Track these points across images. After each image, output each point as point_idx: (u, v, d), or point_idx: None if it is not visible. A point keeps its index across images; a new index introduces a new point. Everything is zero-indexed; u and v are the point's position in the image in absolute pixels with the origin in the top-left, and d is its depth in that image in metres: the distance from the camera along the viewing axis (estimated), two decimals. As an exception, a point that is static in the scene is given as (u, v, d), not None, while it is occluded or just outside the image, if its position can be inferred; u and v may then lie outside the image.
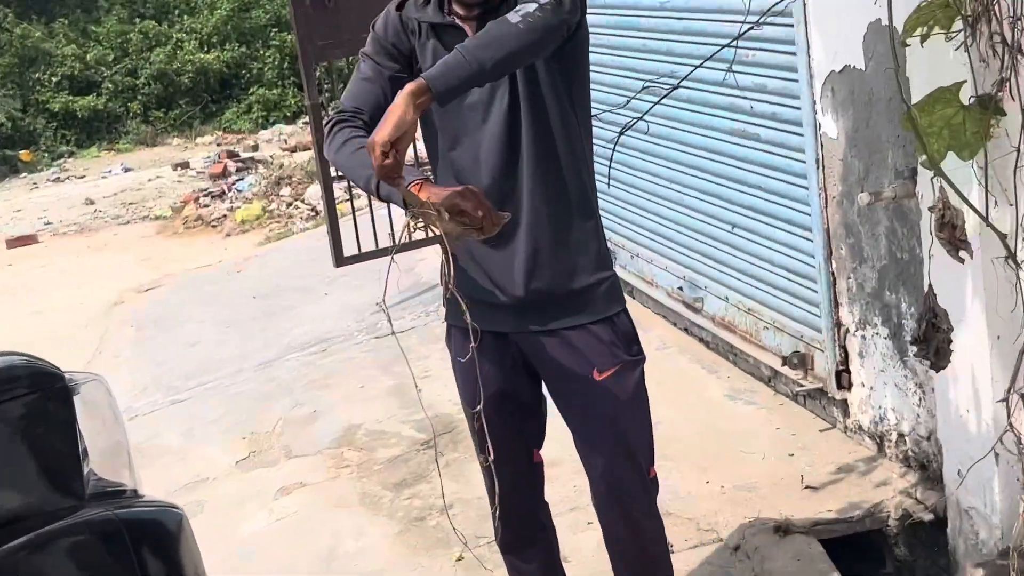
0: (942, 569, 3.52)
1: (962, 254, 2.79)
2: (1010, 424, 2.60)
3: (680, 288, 5.51)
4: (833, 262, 4.13)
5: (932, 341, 2.67)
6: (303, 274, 8.18)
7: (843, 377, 4.13)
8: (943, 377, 3.27)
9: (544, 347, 2.79)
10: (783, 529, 3.54)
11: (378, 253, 6.55)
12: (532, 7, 2.54)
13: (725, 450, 4.29)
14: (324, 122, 2.76)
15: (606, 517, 2.93)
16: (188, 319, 7.90)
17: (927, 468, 3.70)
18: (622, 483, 2.83)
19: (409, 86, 2.39)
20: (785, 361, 4.44)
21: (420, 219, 2.40)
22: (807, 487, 3.82)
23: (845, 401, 4.16)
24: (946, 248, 2.78)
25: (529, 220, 2.69)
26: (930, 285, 2.74)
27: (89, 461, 2.05)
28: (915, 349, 2.77)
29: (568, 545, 3.52)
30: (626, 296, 6.14)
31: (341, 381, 5.89)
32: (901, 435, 3.83)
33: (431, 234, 2.45)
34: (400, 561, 3.97)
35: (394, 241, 2.54)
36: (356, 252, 6.60)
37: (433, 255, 6.55)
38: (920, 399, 3.72)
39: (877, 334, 3.90)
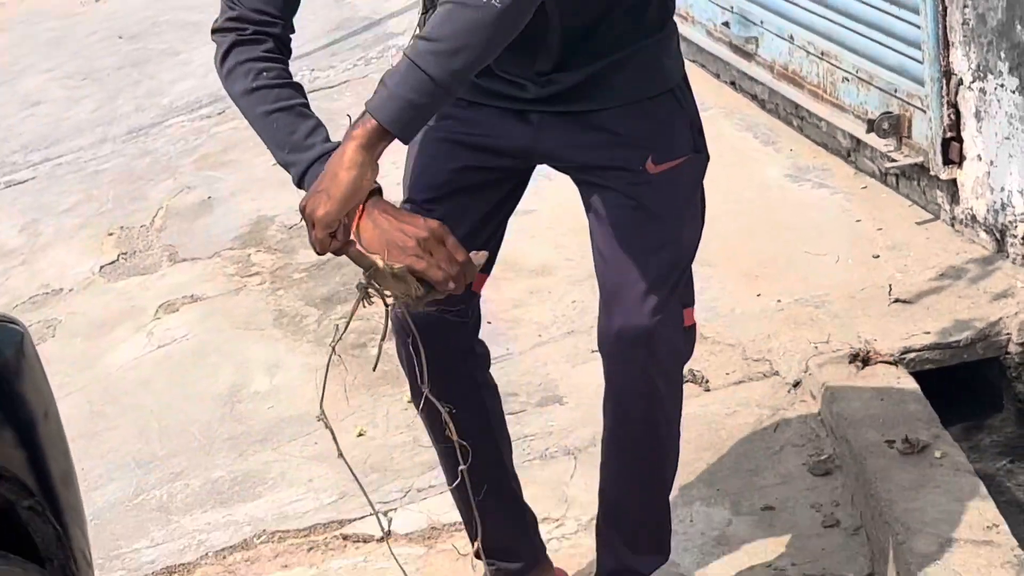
0: None
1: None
2: None
3: (726, 24, 5.54)
4: None
5: None
6: (191, 4, 8.18)
7: (952, 148, 4.17)
8: None
9: (574, 131, 2.75)
10: (862, 358, 3.61)
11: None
12: None
13: (784, 251, 4.40)
14: (212, 29, 2.63)
15: (614, 366, 2.92)
16: (27, 70, 7.96)
17: None
18: (647, 321, 2.82)
19: (357, 136, 2.27)
20: (872, 126, 4.50)
21: (373, 291, 2.31)
22: (896, 300, 3.90)
23: (954, 181, 4.20)
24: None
25: None
26: None
27: None
28: None
29: (565, 382, 3.60)
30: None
31: (246, 156, 5.94)
32: None
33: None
34: (331, 404, 4.00)
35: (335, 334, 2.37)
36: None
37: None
38: None
39: (1002, 86, 3.94)
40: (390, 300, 2.32)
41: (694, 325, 2.92)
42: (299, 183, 2.50)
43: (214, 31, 2.63)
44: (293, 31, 2.61)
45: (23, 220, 5.78)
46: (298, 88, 2.62)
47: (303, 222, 2.40)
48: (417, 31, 2.64)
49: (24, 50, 8.26)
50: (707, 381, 3.75)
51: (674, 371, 2.90)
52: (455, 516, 3.20)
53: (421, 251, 2.29)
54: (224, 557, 3.49)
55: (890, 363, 3.62)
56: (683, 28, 5.87)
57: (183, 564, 3.48)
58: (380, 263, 2.23)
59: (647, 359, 2.75)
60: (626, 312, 2.73)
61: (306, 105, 2.58)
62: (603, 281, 2.82)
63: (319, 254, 2.41)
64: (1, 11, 9.53)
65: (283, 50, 2.60)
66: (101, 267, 5.22)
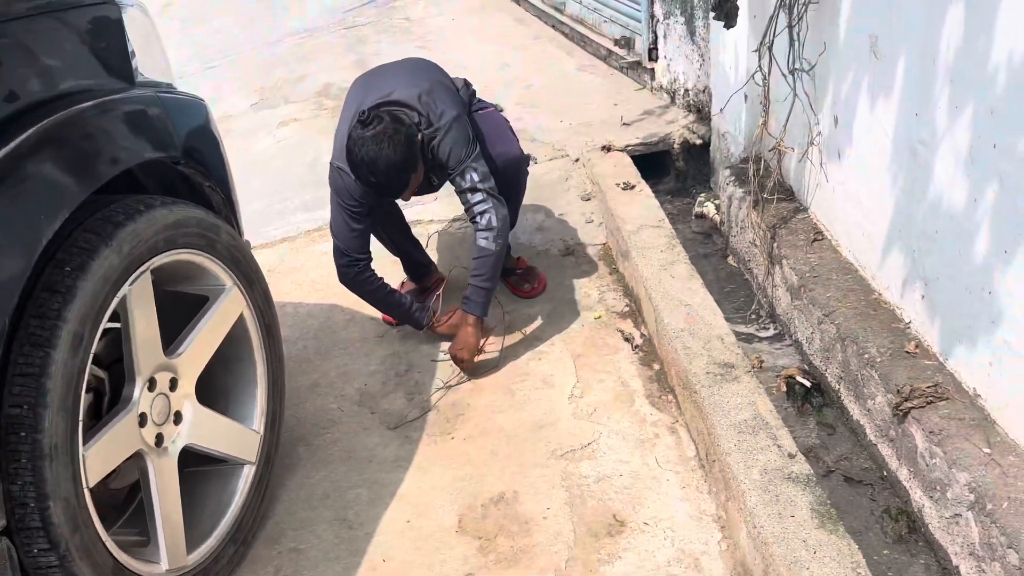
0: (704, 175, 4.04)
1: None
2: (760, 67, 2.91)
3: None
4: None
5: (724, 7, 2.90)
6: None
7: (653, 53, 4.55)
8: (715, 47, 3.61)
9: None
10: (607, 148, 4.01)
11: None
12: (484, 217, 2.70)
13: (574, 102, 4.71)
14: (338, 256, 2.83)
15: None
16: (216, 15, 8.32)
17: (700, 111, 4.14)
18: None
19: (472, 321, 2.77)
20: (616, 43, 4.88)
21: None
22: (624, 124, 4.31)
23: (653, 69, 4.57)
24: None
25: None
26: None
27: (137, 60, 2.11)
28: (713, 14, 2.96)
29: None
30: (515, 3, 6.76)
31: (320, 56, 6.39)
32: (687, 90, 4.26)
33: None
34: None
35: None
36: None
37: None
38: (700, 66, 4.09)
39: (677, 22, 4.26)
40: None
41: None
42: (420, 327, 3.00)
43: (344, 259, 2.83)
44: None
45: (214, 84, 6.14)
46: (387, 286, 2.90)
47: (452, 360, 2.85)
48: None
49: (214, 8, 8.59)
50: (535, 159, 4.05)
51: None
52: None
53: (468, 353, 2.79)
54: (309, 233, 3.92)
55: (620, 151, 4.01)
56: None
57: (289, 236, 3.92)
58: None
59: None
60: None
61: (395, 291, 2.94)
62: None
63: (469, 373, 2.84)
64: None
65: (370, 262, 2.86)
66: (251, 104, 5.65)
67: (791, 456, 2.12)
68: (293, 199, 4.25)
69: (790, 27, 2.75)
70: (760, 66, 2.91)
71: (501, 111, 3.13)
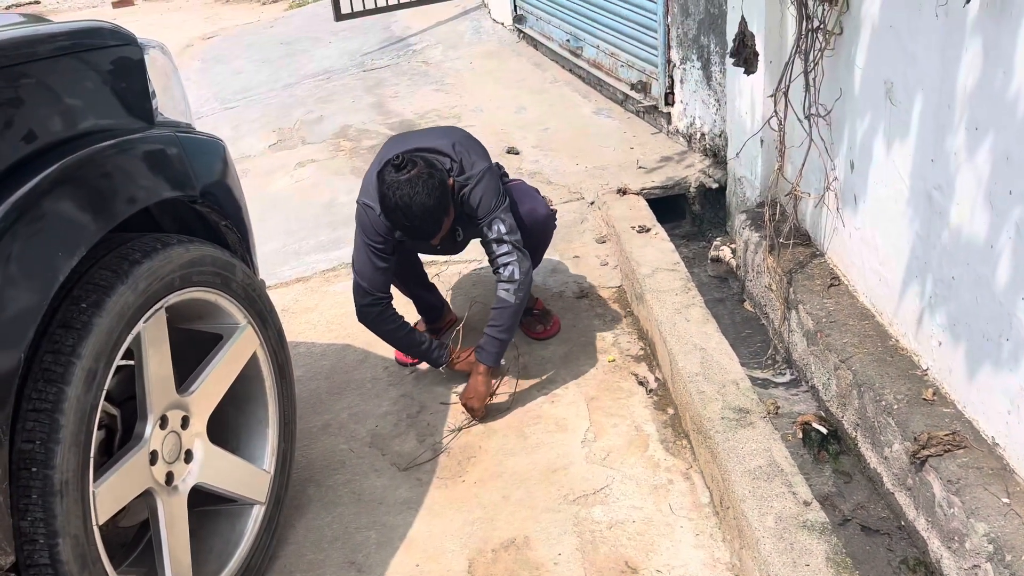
0: (720, 219, 4.05)
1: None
2: (775, 112, 2.94)
3: (568, 40, 5.95)
4: (668, 17, 4.46)
5: (743, 53, 2.92)
6: (315, 29, 8.84)
7: (669, 97, 4.59)
8: (731, 92, 3.62)
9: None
10: (622, 191, 4.04)
11: (366, 12, 7.47)
12: (507, 269, 2.70)
13: (590, 145, 4.75)
14: (360, 295, 2.83)
15: None
16: (236, 57, 8.50)
17: (717, 156, 4.17)
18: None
19: (483, 371, 2.78)
20: (633, 87, 4.92)
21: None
22: (639, 167, 4.33)
23: (669, 113, 4.60)
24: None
25: None
26: (742, 16, 3.00)
27: (157, 101, 2.13)
28: (732, 60, 2.95)
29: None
30: (532, 47, 6.90)
31: (338, 98, 6.48)
32: (703, 134, 4.28)
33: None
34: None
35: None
36: (350, 11, 7.48)
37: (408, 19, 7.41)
38: (716, 110, 4.11)
39: (694, 67, 4.28)
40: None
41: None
42: (438, 366, 2.97)
43: (365, 297, 2.83)
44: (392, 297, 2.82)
45: (232, 125, 6.23)
46: (407, 324, 2.90)
47: (462, 404, 2.84)
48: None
49: (234, 50, 8.76)
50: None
51: None
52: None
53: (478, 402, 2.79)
54: (324, 273, 3.93)
55: (636, 194, 4.02)
56: (547, 43, 6.07)
57: (304, 276, 3.93)
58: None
59: None
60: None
61: (414, 330, 2.93)
62: None
63: (477, 419, 2.82)
64: (224, 31, 9.98)
65: (391, 301, 2.86)
66: (269, 146, 5.71)
67: (806, 504, 2.10)
68: (308, 239, 4.29)
69: (806, 73, 2.78)
70: (776, 111, 2.94)
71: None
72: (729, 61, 3.06)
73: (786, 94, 2.85)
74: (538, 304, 3.26)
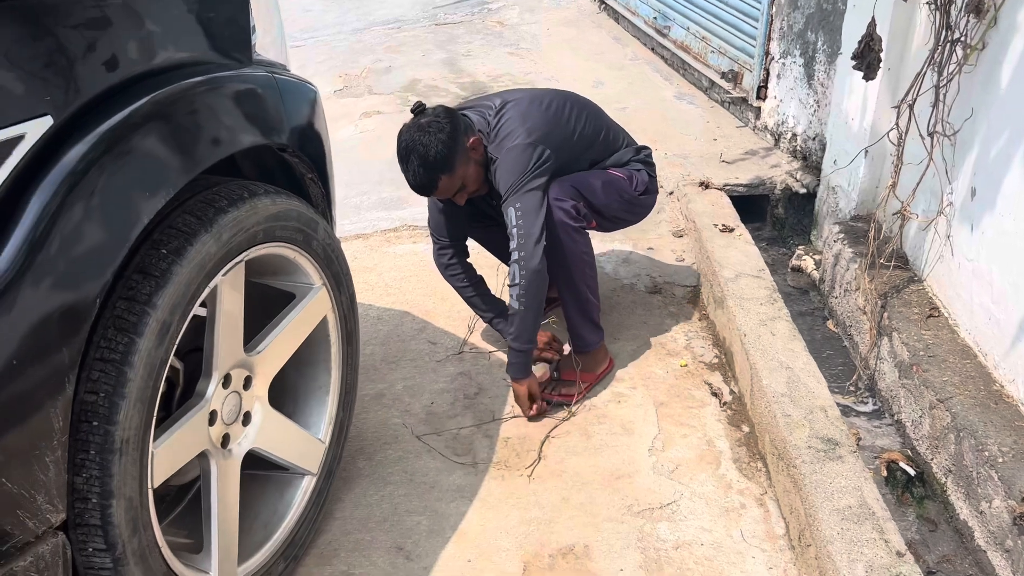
0: (804, 226, 3.86)
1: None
2: (896, 124, 2.76)
3: (655, 18, 5.78)
4: (773, 7, 4.24)
5: (867, 57, 2.73)
6: None
7: (762, 91, 4.41)
8: (838, 95, 3.42)
9: None
10: (704, 184, 3.87)
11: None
12: (512, 267, 2.48)
13: (670, 131, 4.60)
14: (432, 241, 2.81)
15: None
16: None
17: (807, 159, 4.00)
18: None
19: (512, 382, 2.64)
20: (723, 76, 4.74)
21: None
22: (723, 161, 4.18)
23: (759, 108, 4.43)
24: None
25: None
26: (873, 17, 2.77)
27: (256, 37, 2.00)
28: (854, 62, 2.77)
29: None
30: (613, 20, 6.71)
31: (408, 50, 6.32)
32: (795, 135, 4.10)
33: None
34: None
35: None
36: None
37: None
38: (814, 112, 3.91)
39: (794, 63, 4.09)
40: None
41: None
42: (505, 339, 2.75)
43: (434, 251, 2.79)
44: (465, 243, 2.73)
45: (297, 64, 5.69)
46: (476, 286, 2.81)
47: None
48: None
49: None
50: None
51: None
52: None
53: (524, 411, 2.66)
54: (385, 233, 3.81)
55: (718, 189, 3.86)
56: (630, 17, 5.86)
57: (364, 233, 3.81)
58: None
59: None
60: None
61: (482, 295, 2.83)
62: None
63: (529, 415, 2.67)
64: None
65: (464, 252, 2.78)
66: (335, 91, 5.57)
67: (899, 555, 1.95)
68: (371, 195, 4.18)
69: (937, 87, 2.58)
70: (897, 124, 2.75)
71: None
72: (848, 63, 2.87)
73: (911, 107, 2.64)
74: (568, 374, 2.86)
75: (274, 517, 2.15)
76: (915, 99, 2.65)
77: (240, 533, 2.01)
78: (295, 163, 2.10)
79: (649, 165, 2.84)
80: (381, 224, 3.88)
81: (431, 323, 3.14)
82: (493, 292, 2.93)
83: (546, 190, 2.49)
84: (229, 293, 1.81)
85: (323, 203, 2.24)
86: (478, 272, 2.85)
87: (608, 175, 2.74)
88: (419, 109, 2.43)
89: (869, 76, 2.77)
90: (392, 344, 3.06)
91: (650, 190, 2.83)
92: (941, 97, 2.60)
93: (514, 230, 2.44)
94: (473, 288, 2.77)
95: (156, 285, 1.61)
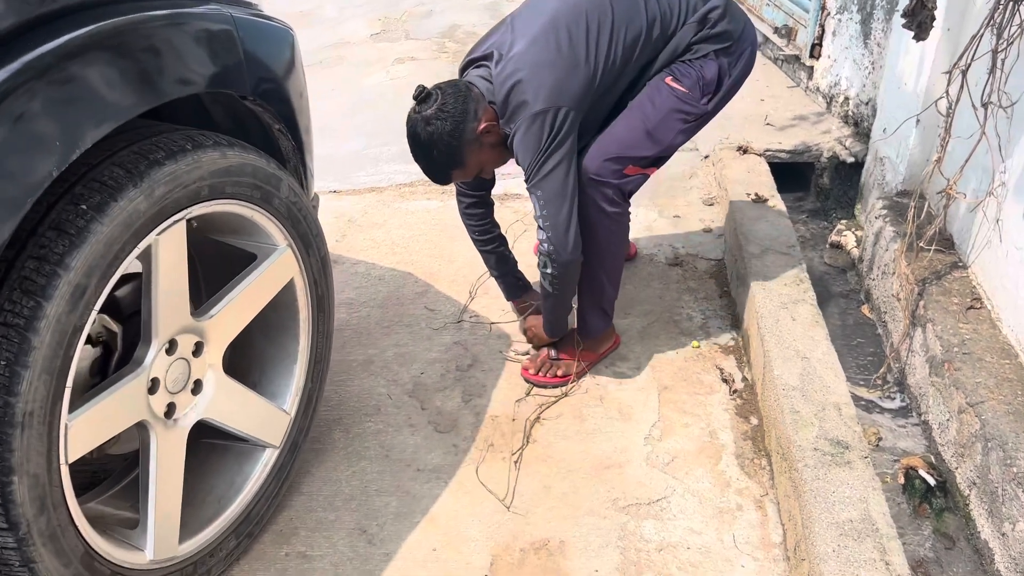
0: (849, 198, 3.62)
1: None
2: (947, 92, 2.51)
3: None
4: None
5: (918, 15, 2.50)
6: None
7: (815, 49, 4.11)
8: (892, 57, 3.19)
9: None
10: (743, 149, 3.66)
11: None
12: (541, 258, 2.34)
13: None
14: (456, 186, 2.64)
15: None
16: None
17: (859, 126, 3.73)
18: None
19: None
20: (776, 31, 4.46)
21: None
22: (768, 124, 3.93)
23: (812, 68, 4.14)
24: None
25: None
26: None
27: None
28: (904, 20, 2.54)
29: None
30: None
31: None
32: (847, 98, 3.84)
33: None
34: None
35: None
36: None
37: None
38: (869, 73, 3.64)
39: (851, 19, 3.81)
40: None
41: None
42: (506, 298, 2.82)
43: (457, 193, 2.66)
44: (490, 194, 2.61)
45: (338, 5, 5.95)
46: (489, 238, 2.69)
47: (526, 335, 2.72)
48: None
49: None
50: None
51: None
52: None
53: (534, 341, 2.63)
54: (400, 187, 3.68)
55: (758, 155, 3.63)
56: None
57: (378, 187, 3.69)
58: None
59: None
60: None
61: (494, 248, 2.73)
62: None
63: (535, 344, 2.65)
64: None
65: (487, 202, 2.66)
66: (372, 34, 5.41)
67: (900, 580, 1.73)
68: (391, 146, 4.02)
69: (994, 52, 2.29)
70: (947, 91, 2.48)
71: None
72: (899, 21, 2.60)
73: (964, 73, 2.36)
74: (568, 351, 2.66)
75: (230, 491, 2.03)
76: (969, 64, 2.36)
77: (191, 507, 1.92)
78: (260, 113, 1.91)
79: (719, 37, 2.36)
80: (397, 178, 3.74)
81: (433, 286, 2.98)
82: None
83: (571, 159, 2.22)
84: (168, 254, 1.66)
85: (294, 157, 2.08)
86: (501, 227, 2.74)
87: (661, 105, 2.32)
88: (421, 95, 2.21)
89: (920, 36, 2.50)
90: (390, 307, 2.91)
91: (722, 83, 2.41)
92: (999, 63, 2.32)
93: (539, 220, 2.26)
94: (484, 240, 2.64)
95: (70, 244, 1.46)
